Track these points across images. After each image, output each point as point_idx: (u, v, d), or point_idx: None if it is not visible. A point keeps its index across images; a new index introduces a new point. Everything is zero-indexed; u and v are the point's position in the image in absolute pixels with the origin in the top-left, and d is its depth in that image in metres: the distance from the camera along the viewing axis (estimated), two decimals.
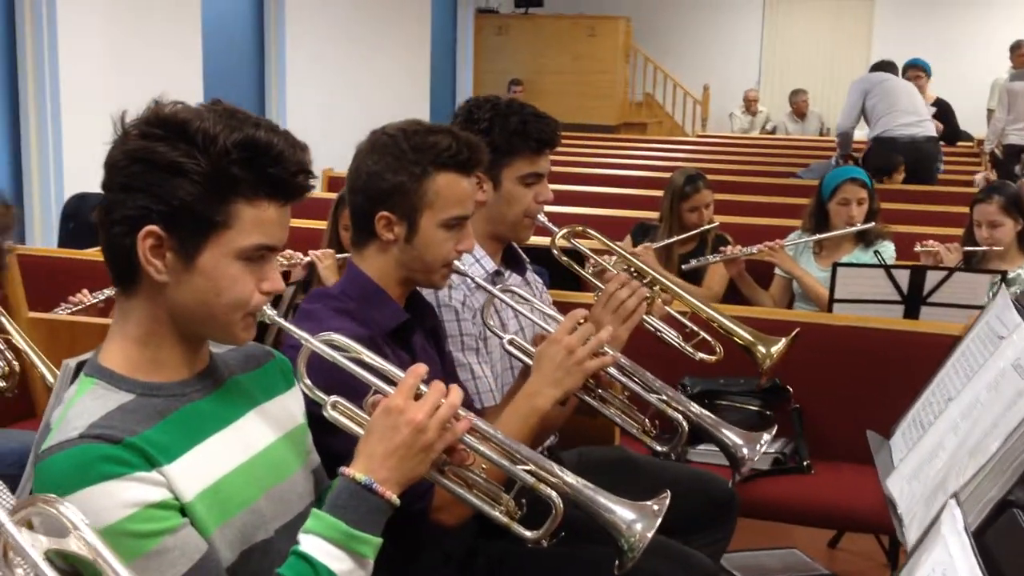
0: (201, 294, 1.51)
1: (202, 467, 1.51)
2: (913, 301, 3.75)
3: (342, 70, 10.47)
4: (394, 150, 2.07)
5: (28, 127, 7.04)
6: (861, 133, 8.21)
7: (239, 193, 1.50)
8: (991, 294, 3.58)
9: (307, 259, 3.78)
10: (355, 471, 1.54)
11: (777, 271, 4.44)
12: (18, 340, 2.66)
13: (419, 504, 1.91)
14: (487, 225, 2.52)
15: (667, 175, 4.86)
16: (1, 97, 6.97)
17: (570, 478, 1.64)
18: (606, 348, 2.08)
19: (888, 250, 4.32)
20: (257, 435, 1.64)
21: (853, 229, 4.32)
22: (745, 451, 2.12)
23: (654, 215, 4.80)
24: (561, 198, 5.99)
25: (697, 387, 3.38)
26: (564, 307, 2.42)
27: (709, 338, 2.48)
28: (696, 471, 2.83)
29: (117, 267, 1.53)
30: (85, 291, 3.33)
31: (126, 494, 1.40)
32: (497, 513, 1.65)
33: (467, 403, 2.27)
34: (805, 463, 3.26)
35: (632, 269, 2.53)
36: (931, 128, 7.64)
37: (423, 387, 1.60)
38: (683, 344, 2.42)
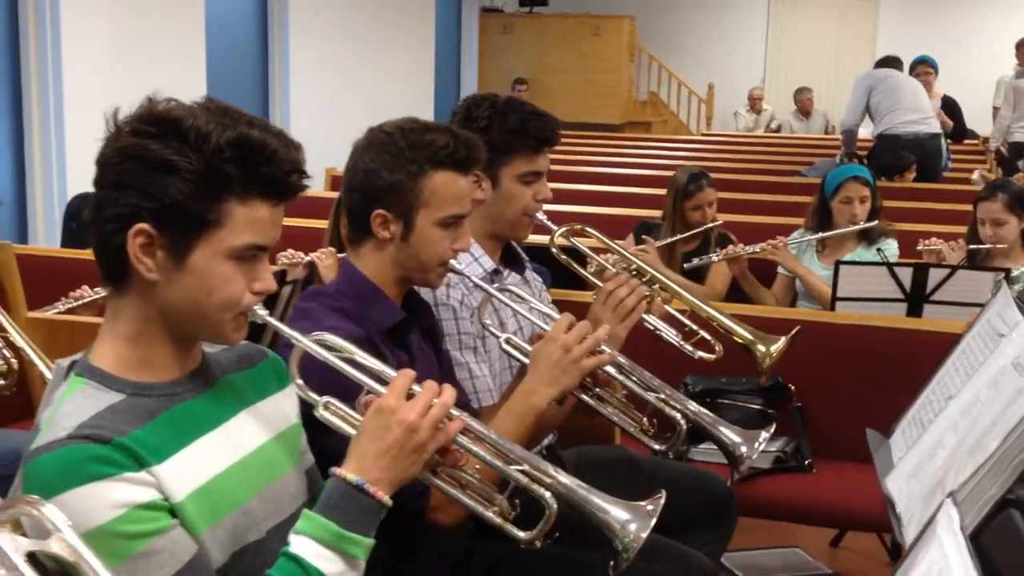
0: (192, 293, 1.50)
1: (193, 467, 1.50)
2: (916, 299, 3.73)
3: (345, 70, 10.46)
4: (391, 148, 2.06)
5: (31, 127, 7.04)
6: (866, 131, 8.18)
7: (231, 192, 1.49)
8: (993, 292, 3.56)
9: (308, 258, 3.77)
10: (346, 471, 1.52)
11: (780, 269, 4.43)
12: (16, 338, 2.65)
13: (415, 504, 1.90)
14: (486, 224, 2.50)
15: (671, 173, 4.85)
16: (4, 97, 6.97)
17: (564, 478, 1.63)
18: (603, 346, 2.07)
19: (891, 248, 4.30)
20: (249, 435, 1.62)
21: (856, 227, 4.30)
22: (743, 449, 2.10)
23: (659, 214, 4.78)
24: (566, 197, 6.00)
25: (699, 386, 3.36)
26: (565, 306, 2.41)
27: (708, 337, 2.46)
28: (696, 470, 2.81)
29: (108, 265, 1.52)
30: (85, 287, 3.33)
31: (115, 495, 1.39)
32: (491, 514, 1.63)
33: (465, 403, 2.27)
34: (807, 462, 3.24)
35: (632, 267, 2.51)
36: (935, 125, 7.60)
37: (416, 387, 1.59)
38: (682, 343, 2.40)
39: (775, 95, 14.50)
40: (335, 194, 4.73)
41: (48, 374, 2.56)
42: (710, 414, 2.16)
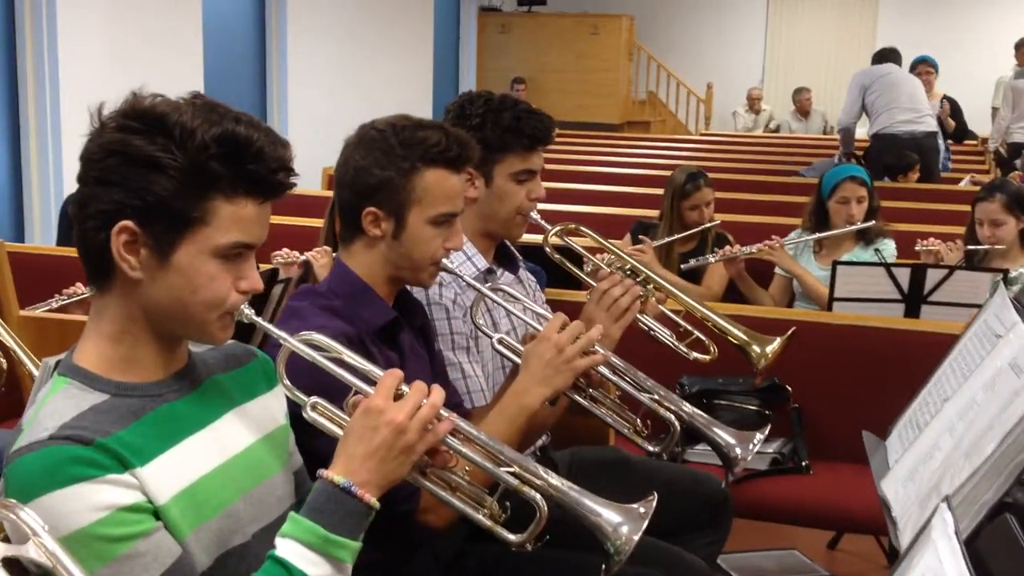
0: (176, 292, 1.48)
1: (177, 469, 1.47)
2: (914, 300, 3.71)
3: (344, 69, 10.44)
4: (382, 145, 2.04)
5: (27, 125, 7.03)
6: (864, 130, 8.15)
7: (217, 189, 1.46)
8: (991, 293, 3.54)
9: (303, 257, 3.75)
10: (333, 473, 1.50)
11: (777, 270, 4.41)
12: (5, 337, 2.63)
13: (406, 505, 1.88)
14: (479, 222, 2.48)
15: (670, 173, 4.83)
16: (1, 96, 6.95)
17: (555, 480, 1.60)
18: (597, 346, 2.05)
19: (889, 248, 4.29)
20: (235, 436, 1.60)
21: (853, 228, 4.29)
22: (738, 451, 2.08)
23: (657, 214, 4.76)
24: (564, 196, 5.98)
25: (695, 386, 3.34)
26: (560, 306, 2.39)
27: (703, 337, 2.44)
28: (691, 471, 2.79)
29: (91, 263, 1.49)
30: (79, 284, 3.30)
31: (97, 497, 1.37)
32: (480, 516, 1.61)
33: (457, 403, 2.25)
34: (804, 463, 3.22)
35: (626, 267, 2.49)
36: (932, 123, 7.54)
37: (404, 387, 1.56)
38: (677, 343, 2.38)
39: (774, 95, 14.49)
40: (331, 193, 4.71)
41: (37, 373, 2.53)
42: (704, 415, 2.13)
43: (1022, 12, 13.44)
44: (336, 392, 1.63)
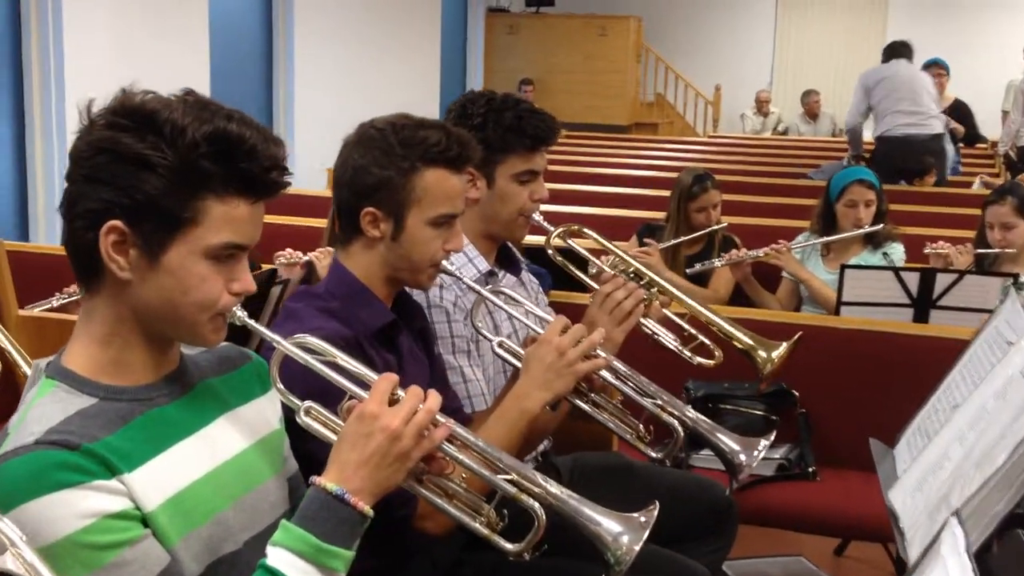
0: (167, 293, 1.44)
1: (166, 475, 1.44)
2: (923, 304, 3.67)
3: (351, 69, 10.41)
4: (382, 144, 2.01)
5: (32, 123, 7.02)
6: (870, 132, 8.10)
7: (208, 188, 1.43)
8: (1001, 298, 3.50)
9: (306, 258, 3.72)
10: (326, 481, 1.46)
11: (784, 274, 4.36)
12: (1, 339, 2.60)
13: (403, 511, 1.84)
14: (481, 224, 2.44)
15: (677, 175, 4.79)
16: (6, 93, 6.94)
17: (554, 488, 1.56)
18: (599, 350, 2.01)
19: (897, 252, 4.24)
20: (227, 442, 1.56)
21: (861, 231, 4.24)
22: (742, 457, 2.04)
23: (664, 215, 4.72)
24: (571, 198, 5.95)
25: (701, 390, 3.31)
26: (565, 309, 2.35)
27: (708, 342, 2.40)
28: (695, 477, 2.75)
29: (79, 263, 1.46)
30: None
31: (83, 504, 1.33)
32: (477, 524, 1.57)
33: (457, 407, 2.21)
34: (810, 469, 3.18)
35: (630, 270, 2.45)
36: (937, 126, 7.40)
37: (400, 392, 1.52)
38: (681, 348, 2.34)
39: (783, 97, 14.43)
40: None
41: None
42: (708, 421, 2.09)
43: None
44: (331, 396, 1.59)
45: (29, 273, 3.58)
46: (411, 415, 1.49)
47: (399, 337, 2.07)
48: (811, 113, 12.50)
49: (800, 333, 2.46)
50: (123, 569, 1.35)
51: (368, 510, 1.46)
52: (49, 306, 3.30)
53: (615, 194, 6.69)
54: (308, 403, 1.57)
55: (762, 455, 2.06)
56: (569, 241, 2.57)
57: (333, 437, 1.53)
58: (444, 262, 2.06)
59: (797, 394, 3.30)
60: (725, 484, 2.64)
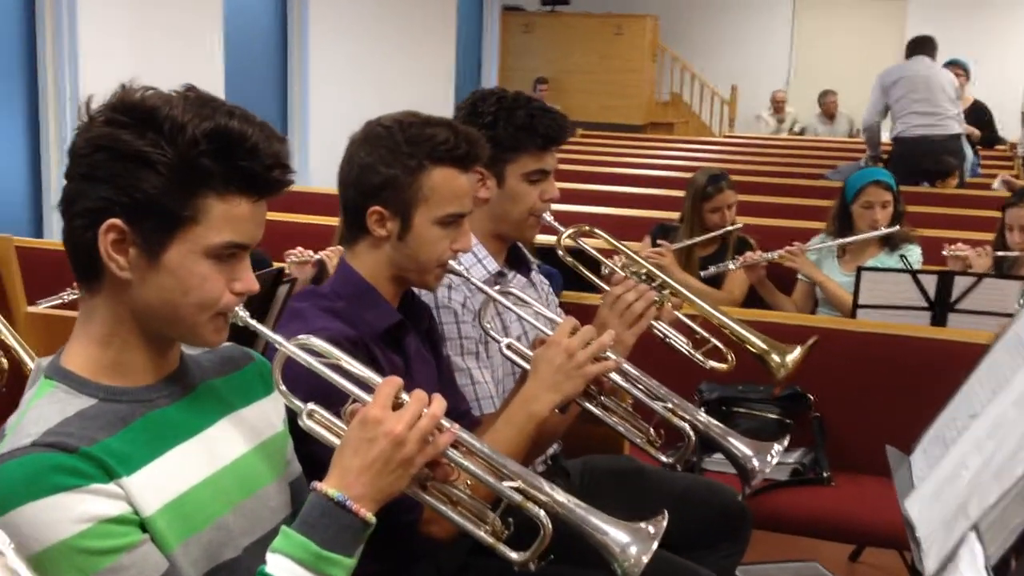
0: (167, 293, 1.41)
1: (165, 479, 1.41)
2: (940, 307, 3.62)
3: (365, 67, 10.39)
4: (388, 142, 1.97)
5: (47, 121, 7.03)
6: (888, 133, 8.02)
7: (209, 187, 1.40)
8: (1021, 302, 3.44)
9: (317, 256, 3.69)
10: (328, 486, 1.42)
11: (800, 276, 4.31)
12: (7, 336, 2.58)
13: (409, 516, 1.81)
14: (490, 224, 2.40)
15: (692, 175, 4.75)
16: (20, 92, 6.95)
17: (560, 496, 1.52)
18: (609, 352, 1.97)
19: (914, 254, 4.18)
20: (228, 445, 1.53)
21: (878, 233, 4.18)
22: (755, 462, 2.00)
23: (679, 216, 4.68)
24: (585, 198, 5.91)
25: (714, 393, 3.27)
26: (576, 310, 2.31)
27: (720, 345, 2.35)
28: (708, 482, 2.71)
29: (78, 262, 1.43)
30: None
31: (80, 508, 1.31)
32: (482, 532, 1.53)
33: (466, 410, 2.18)
34: (825, 474, 3.14)
35: (642, 271, 2.41)
36: (954, 126, 7.31)
37: (404, 395, 1.49)
38: (693, 351, 2.30)
39: (800, 97, 14.33)
40: None
41: None
42: (720, 425, 2.05)
43: None
44: (336, 399, 1.56)
45: (42, 269, 3.57)
46: (415, 420, 1.45)
47: (406, 338, 2.03)
48: (828, 113, 12.43)
49: (815, 337, 2.41)
50: (120, 574, 1.33)
51: (370, 517, 1.43)
52: (60, 301, 3.29)
53: (630, 194, 6.64)
54: (311, 406, 1.54)
55: (776, 460, 2.02)
56: (580, 241, 2.53)
57: (336, 441, 1.50)
58: (452, 262, 2.03)
59: (812, 397, 3.26)
60: (738, 489, 2.60)
